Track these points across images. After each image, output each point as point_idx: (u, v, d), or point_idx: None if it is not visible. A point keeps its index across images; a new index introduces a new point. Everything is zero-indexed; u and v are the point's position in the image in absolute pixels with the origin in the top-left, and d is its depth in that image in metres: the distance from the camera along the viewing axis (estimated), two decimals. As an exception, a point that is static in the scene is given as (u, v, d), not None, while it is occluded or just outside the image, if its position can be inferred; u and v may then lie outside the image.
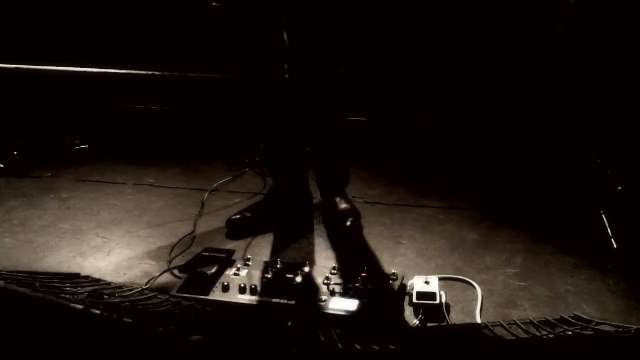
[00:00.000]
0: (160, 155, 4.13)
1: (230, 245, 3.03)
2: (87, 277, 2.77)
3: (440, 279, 2.61)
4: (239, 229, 3.12)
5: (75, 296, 2.39)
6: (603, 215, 3.00)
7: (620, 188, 3.10)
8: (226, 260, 2.77)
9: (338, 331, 2.19)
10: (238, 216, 3.16)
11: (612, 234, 2.90)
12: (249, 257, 2.80)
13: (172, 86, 4.63)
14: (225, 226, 3.15)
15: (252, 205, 3.29)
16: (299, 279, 2.61)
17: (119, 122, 4.59)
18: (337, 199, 3.19)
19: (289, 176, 3.23)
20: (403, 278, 2.63)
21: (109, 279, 2.78)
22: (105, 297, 2.45)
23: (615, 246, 2.85)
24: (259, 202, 3.30)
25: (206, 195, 3.45)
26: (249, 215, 3.17)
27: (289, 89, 2.91)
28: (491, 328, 2.32)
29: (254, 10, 2.79)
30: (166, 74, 4.62)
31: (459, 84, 4.08)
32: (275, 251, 2.98)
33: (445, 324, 2.43)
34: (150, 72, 4.61)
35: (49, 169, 3.98)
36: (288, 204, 3.23)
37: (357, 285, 2.54)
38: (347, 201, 3.22)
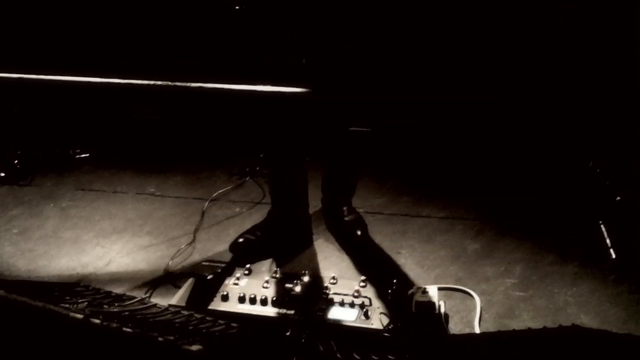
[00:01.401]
0: (162, 164, 4.13)
1: (229, 254, 3.03)
2: (87, 286, 2.78)
3: (440, 289, 2.60)
4: (243, 251, 3.04)
5: (75, 305, 2.39)
6: (602, 225, 3.00)
7: (618, 198, 3.10)
8: (225, 270, 2.77)
9: (337, 341, 2.19)
10: (241, 239, 3.08)
11: (610, 244, 2.90)
12: (248, 266, 2.80)
13: (173, 95, 4.62)
14: (229, 250, 3.05)
15: (254, 226, 3.17)
16: (298, 289, 2.60)
17: (119, 130, 4.60)
18: (344, 209, 3.19)
19: (290, 199, 3.13)
20: (402, 288, 2.63)
21: (108, 288, 2.79)
22: (105, 306, 2.46)
23: (614, 256, 2.85)
24: (261, 223, 3.17)
25: (206, 204, 3.45)
26: (252, 237, 3.08)
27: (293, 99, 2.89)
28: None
29: (271, 11, 2.78)
30: (168, 83, 4.62)
31: (461, 90, 4.07)
32: (275, 261, 2.98)
33: (443, 333, 2.43)
34: (152, 82, 4.61)
35: (49, 177, 3.99)
36: (287, 231, 3.13)
37: (356, 294, 2.55)
38: (354, 211, 3.23)
